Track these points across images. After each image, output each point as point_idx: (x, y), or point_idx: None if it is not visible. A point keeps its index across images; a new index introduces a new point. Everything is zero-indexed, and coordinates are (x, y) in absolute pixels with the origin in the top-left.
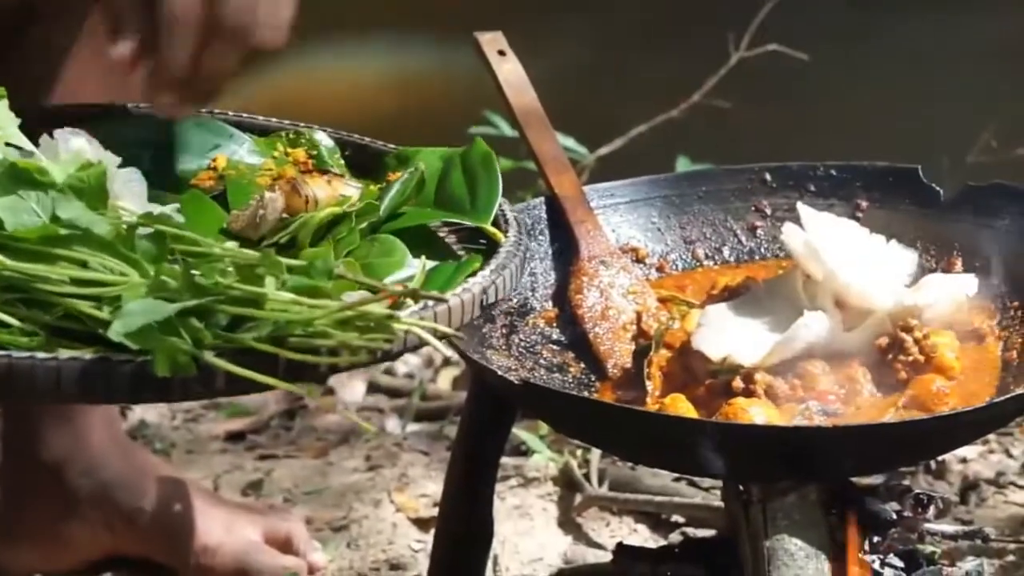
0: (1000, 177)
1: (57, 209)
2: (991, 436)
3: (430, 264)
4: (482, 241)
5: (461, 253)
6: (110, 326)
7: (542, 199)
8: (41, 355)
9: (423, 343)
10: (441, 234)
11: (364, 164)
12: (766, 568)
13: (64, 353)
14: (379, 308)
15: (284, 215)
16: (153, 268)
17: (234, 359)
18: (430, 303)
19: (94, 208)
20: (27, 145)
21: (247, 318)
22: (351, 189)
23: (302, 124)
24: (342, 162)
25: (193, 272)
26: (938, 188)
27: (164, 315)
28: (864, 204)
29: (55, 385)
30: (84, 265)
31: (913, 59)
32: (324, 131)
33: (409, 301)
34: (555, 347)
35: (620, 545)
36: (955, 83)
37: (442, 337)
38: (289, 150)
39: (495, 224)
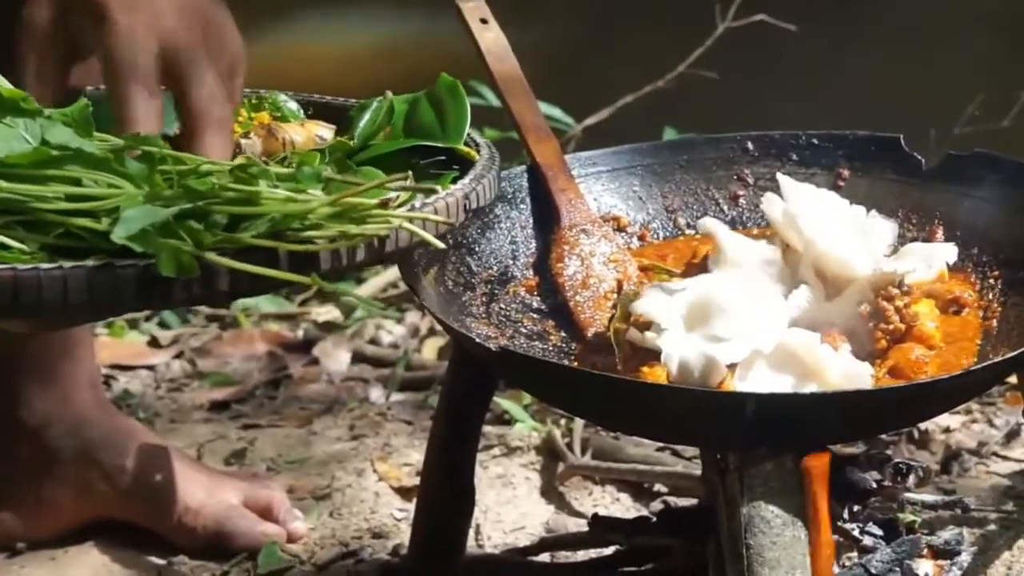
0: (987, 148)
1: (46, 134)
2: (974, 406)
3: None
4: (456, 168)
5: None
6: (109, 238)
7: (523, 168)
8: (45, 266)
9: (417, 241)
10: (418, 164)
11: (328, 120)
12: (743, 535)
13: (68, 263)
14: (369, 200)
15: (263, 159)
16: (145, 183)
17: (236, 257)
18: (417, 205)
19: (80, 136)
20: (4, 83)
21: (244, 218)
22: (325, 130)
23: (263, 90)
24: (304, 119)
25: (187, 178)
26: (920, 157)
27: (163, 217)
28: (846, 173)
29: (62, 295)
30: (78, 183)
31: (901, 29)
32: (286, 94)
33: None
34: (535, 315)
35: (595, 516)
36: (943, 54)
37: (437, 231)
38: (253, 115)
39: (467, 148)
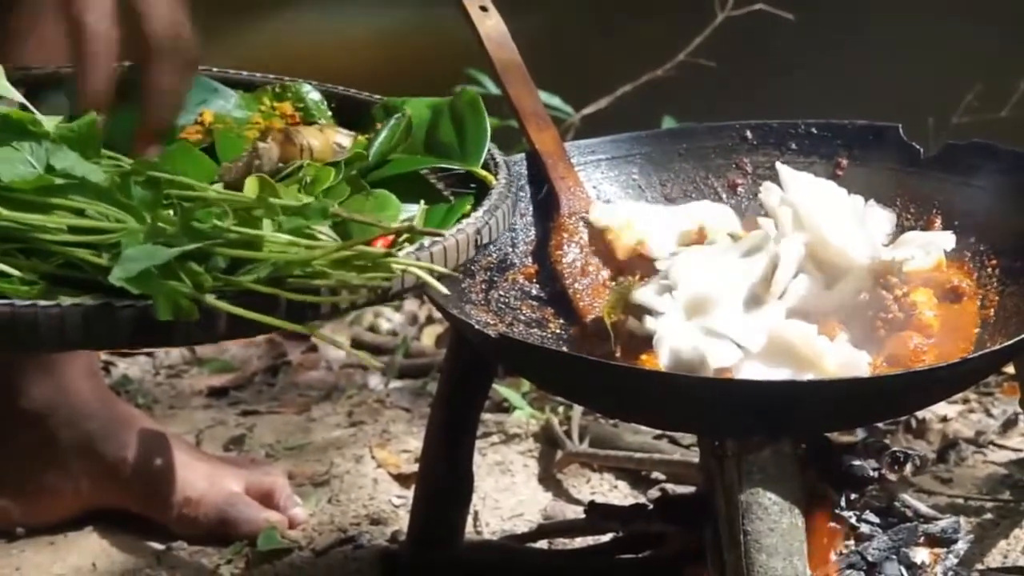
0: (985, 137)
1: (51, 159)
2: (972, 395)
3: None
4: (472, 185)
5: (452, 198)
6: (110, 272)
7: (523, 155)
8: (43, 303)
9: (420, 283)
10: (432, 181)
11: (351, 116)
12: (740, 522)
13: (66, 300)
14: (376, 248)
15: (280, 165)
16: (149, 215)
17: (235, 301)
18: (426, 244)
19: (87, 157)
20: (17, 97)
21: (246, 261)
22: (344, 138)
23: (287, 78)
24: (329, 114)
25: (190, 216)
26: (918, 147)
27: (163, 259)
28: (845, 162)
29: (59, 332)
30: (81, 213)
31: (899, 19)
32: (310, 84)
33: (406, 245)
34: (534, 303)
35: (592, 503)
36: (941, 43)
37: (439, 277)
38: (275, 104)
39: (485, 168)
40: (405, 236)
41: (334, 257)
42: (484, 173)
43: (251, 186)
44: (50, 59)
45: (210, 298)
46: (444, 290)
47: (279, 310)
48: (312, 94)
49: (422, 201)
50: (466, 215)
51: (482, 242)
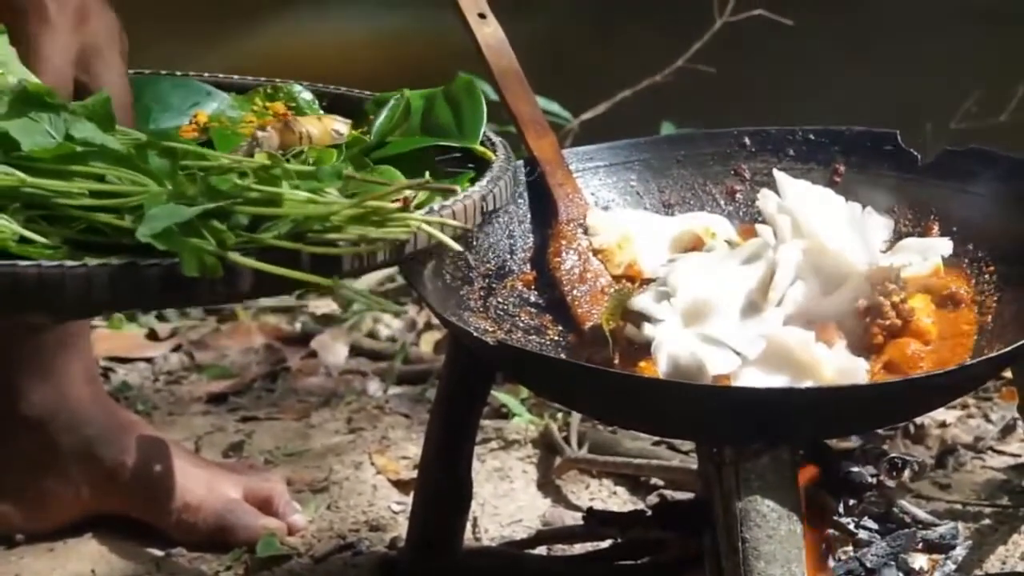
0: (983, 143)
1: (70, 129)
2: (970, 401)
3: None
4: (471, 166)
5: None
6: (132, 235)
7: (521, 162)
8: (70, 263)
9: (434, 243)
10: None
11: (343, 113)
12: (738, 529)
13: (92, 261)
14: (390, 204)
15: (280, 152)
16: (168, 180)
17: (259, 257)
18: (436, 207)
19: (104, 131)
20: (31, 77)
21: (266, 219)
22: (341, 125)
23: (278, 80)
24: (321, 112)
25: (210, 178)
26: (916, 153)
27: (187, 217)
28: (842, 168)
29: (86, 293)
30: (102, 179)
31: (900, 24)
32: (301, 84)
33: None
34: (533, 310)
35: (590, 510)
36: (940, 49)
37: (453, 237)
38: (268, 104)
39: (482, 147)
40: (416, 203)
41: (351, 213)
42: (483, 149)
43: (260, 159)
44: None
45: (234, 255)
46: (456, 246)
47: (302, 265)
48: (303, 93)
49: (427, 172)
50: (470, 186)
51: (488, 208)
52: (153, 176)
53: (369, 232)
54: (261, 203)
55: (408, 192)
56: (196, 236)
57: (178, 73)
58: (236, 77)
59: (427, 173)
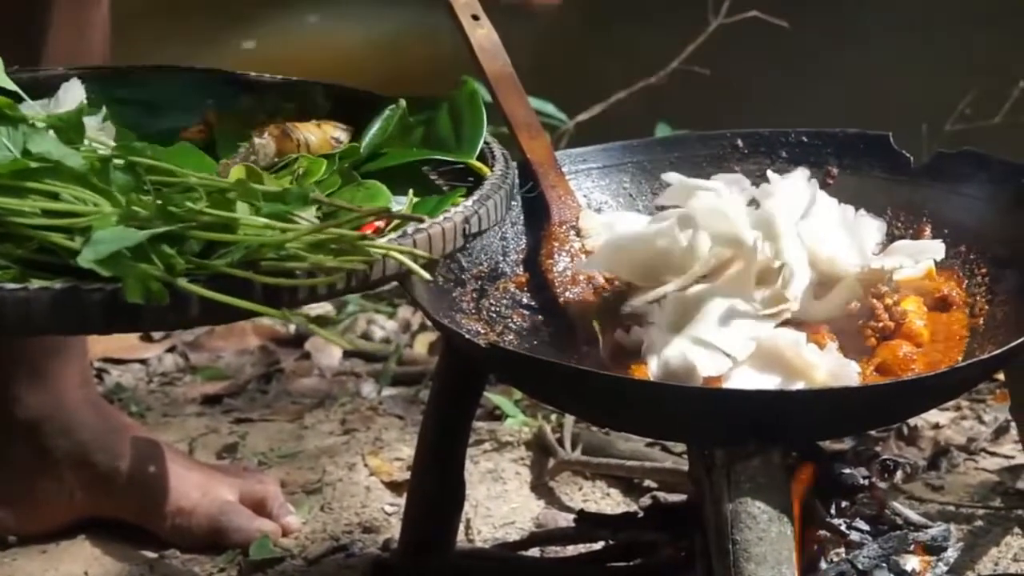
0: (978, 145)
1: (28, 143)
2: (964, 402)
3: (415, 200)
4: (470, 179)
5: (447, 190)
6: (79, 255)
7: (514, 164)
8: (10, 286)
9: (404, 270)
10: (431, 177)
11: (356, 112)
12: (729, 531)
13: (35, 284)
14: (351, 232)
15: (276, 160)
16: (125, 198)
17: (208, 285)
18: (410, 231)
19: (70, 143)
20: (11, 86)
21: (220, 245)
22: (342, 132)
23: (293, 77)
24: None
25: (167, 200)
26: (908, 155)
27: (135, 241)
28: (835, 171)
29: (25, 316)
30: (56, 197)
31: (893, 27)
32: (316, 82)
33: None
34: (525, 312)
35: (581, 512)
36: (935, 51)
37: (423, 265)
38: (284, 103)
39: (482, 160)
40: (392, 225)
41: (309, 240)
42: (479, 165)
43: (235, 174)
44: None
45: (182, 281)
46: (427, 276)
47: (254, 294)
48: (316, 92)
49: (411, 191)
50: (456, 206)
51: (471, 231)
52: (109, 195)
53: (326, 261)
54: (215, 228)
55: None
56: (145, 261)
57: (197, 67)
58: (252, 74)
59: (411, 191)
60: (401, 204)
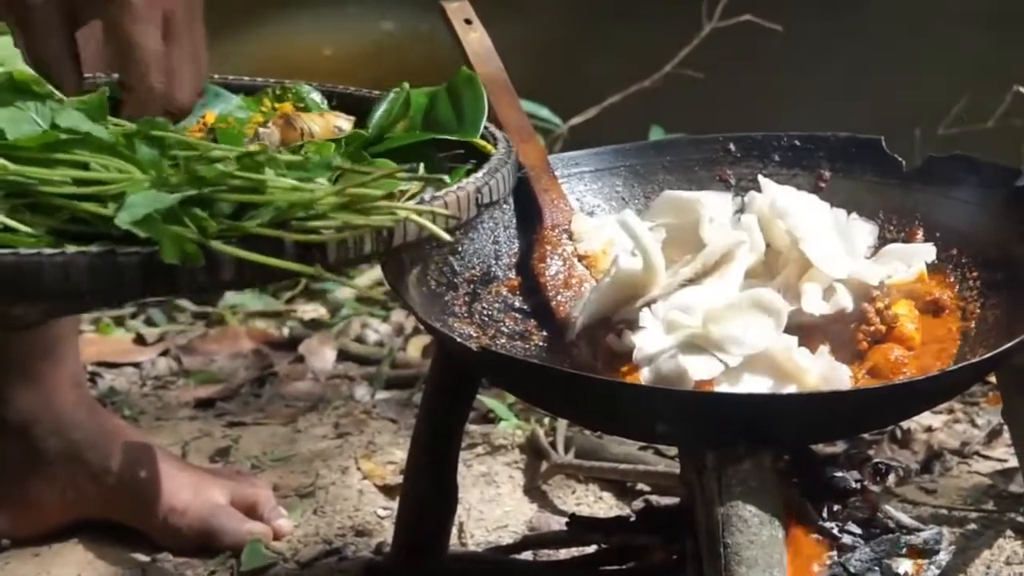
0: (971, 149)
1: (56, 118)
2: (956, 406)
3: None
4: (473, 161)
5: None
6: (115, 217)
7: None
8: (48, 251)
9: (424, 234)
10: (433, 158)
11: (352, 112)
12: (720, 534)
13: (71, 248)
14: (376, 191)
15: (281, 149)
16: (154, 168)
17: (241, 245)
18: (426, 198)
19: (94, 121)
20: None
21: (250, 207)
22: (344, 122)
23: (287, 80)
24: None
25: (194, 165)
26: (900, 159)
27: (168, 204)
28: (827, 174)
29: (63, 280)
30: (86, 168)
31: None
32: (310, 84)
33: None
34: (517, 315)
35: (573, 515)
36: (929, 55)
37: (443, 227)
38: (276, 105)
39: (483, 141)
40: (407, 196)
41: (336, 200)
42: (482, 143)
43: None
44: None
45: (215, 243)
46: (447, 236)
47: (285, 253)
48: (312, 94)
49: (422, 164)
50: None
51: (483, 201)
52: (138, 164)
53: (354, 219)
54: (244, 190)
55: (400, 186)
56: (177, 224)
57: None
58: (247, 78)
59: (422, 166)
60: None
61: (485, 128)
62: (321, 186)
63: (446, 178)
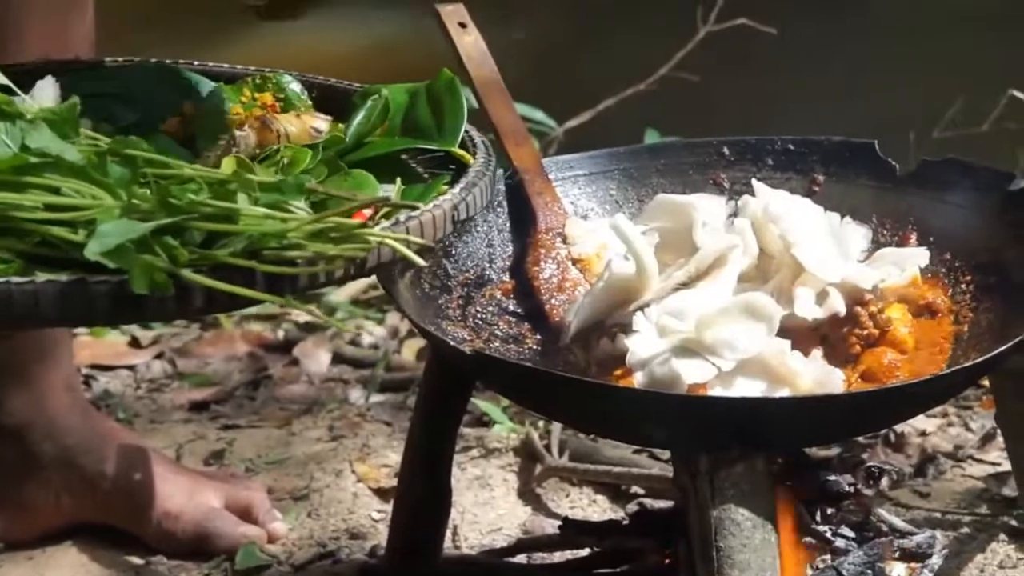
0: (966, 153)
1: (26, 139)
2: (950, 409)
3: (402, 189)
4: (451, 167)
5: (428, 178)
6: (85, 247)
7: (501, 171)
8: (17, 279)
9: (399, 257)
10: (413, 165)
11: (332, 105)
12: (713, 538)
13: (41, 276)
14: (350, 220)
15: (257, 151)
16: (125, 192)
17: (211, 275)
18: (402, 219)
19: (65, 137)
20: (5, 82)
21: (222, 235)
22: (321, 123)
23: (267, 69)
24: (309, 103)
25: (166, 192)
26: (894, 163)
27: (139, 233)
28: (821, 178)
29: (33, 307)
30: (57, 191)
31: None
32: (290, 74)
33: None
34: (511, 319)
35: (566, 519)
36: (924, 58)
37: (417, 251)
38: (256, 95)
39: (463, 148)
40: (382, 213)
41: (309, 229)
42: (461, 152)
43: (228, 165)
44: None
45: (186, 272)
46: (421, 262)
47: (256, 283)
48: (292, 84)
49: (398, 179)
50: (443, 194)
51: (459, 218)
52: (109, 188)
53: (327, 249)
54: (216, 219)
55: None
56: (148, 252)
57: (168, 61)
58: (227, 65)
59: (398, 180)
60: (389, 192)
61: (465, 133)
62: (294, 215)
63: (421, 206)
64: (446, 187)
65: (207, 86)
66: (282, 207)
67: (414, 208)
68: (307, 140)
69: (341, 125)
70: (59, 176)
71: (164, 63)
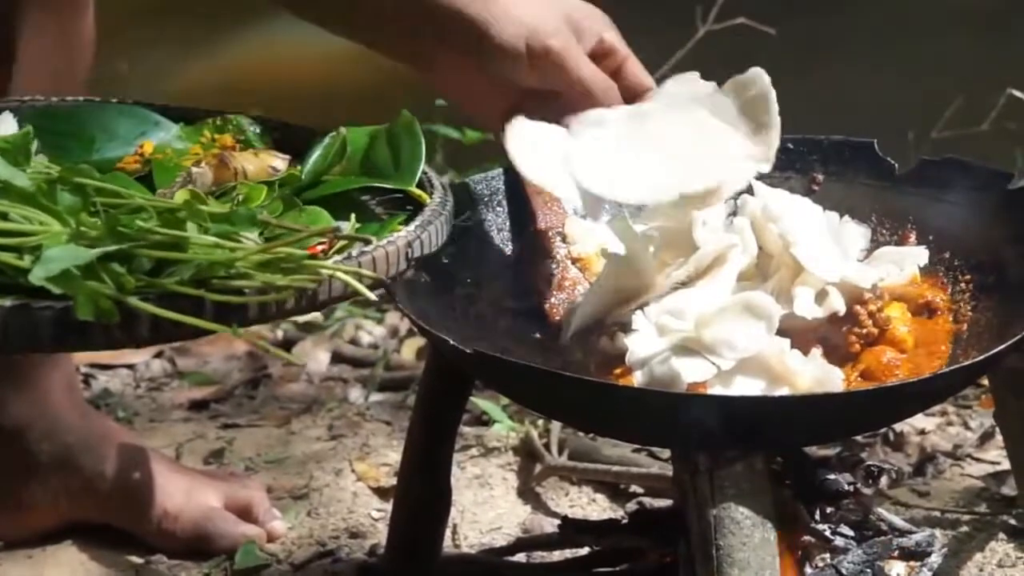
0: (966, 152)
1: None
2: (950, 408)
3: (356, 226)
4: (409, 208)
5: (385, 218)
6: (30, 272)
7: (501, 170)
8: None
9: (350, 291)
10: (371, 205)
11: (293, 145)
12: (713, 537)
13: None
14: (300, 251)
15: (214, 189)
16: (74, 219)
17: (158, 303)
18: (354, 253)
19: (16, 165)
20: None
21: (170, 263)
22: (279, 161)
23: (228, 112)
24: (267, 143)
25: (115, 219)
26: (893, 162)
27: (85, 259)
28: (820, 177)
29: None
30: (4, 217)
31: (881, 33)
32: (250, 116)
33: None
34: (511, 318)
35: (565, 518)
36: (922, 58)
37: (371, 286)
38: (216, 136)
39: (420, 188)
40: (336, 248)
41: (259, 259)
42: (419, 192)
43: (180, 197)
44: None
45: (132, 299)
46: (372, 296)
47: (204, 312)
48: (252, 126)
49: (352, 216)
50: (398, 231)
51: (412, 255)
52: (58, 215)
53: (276, 280)
54: (165, 247)
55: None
56: (95, 279)
57: (128, 101)
58: (188, 105)
59: (353, 216)
60: (344, 229)
61: (423, 174)
62: (244, 244)
63: (372, 239)
64: (401, 225)
65: (167, 125)
66: (232, 237)
67: (367, 242)
68: (265, 178)
69: (294, 170)
70: (8, 202)
71: (124, 102)
